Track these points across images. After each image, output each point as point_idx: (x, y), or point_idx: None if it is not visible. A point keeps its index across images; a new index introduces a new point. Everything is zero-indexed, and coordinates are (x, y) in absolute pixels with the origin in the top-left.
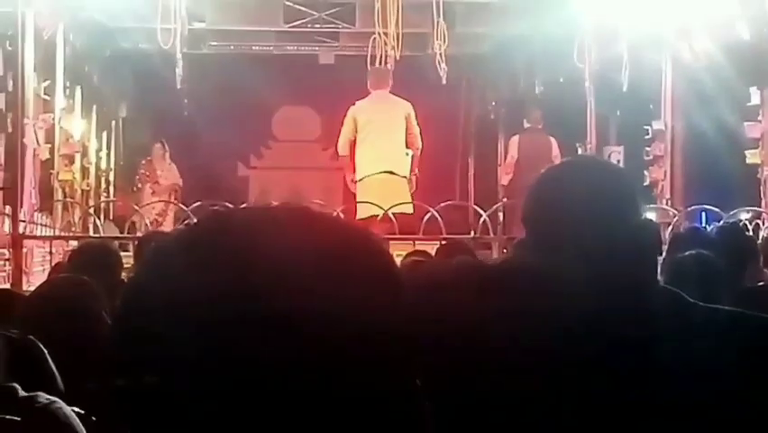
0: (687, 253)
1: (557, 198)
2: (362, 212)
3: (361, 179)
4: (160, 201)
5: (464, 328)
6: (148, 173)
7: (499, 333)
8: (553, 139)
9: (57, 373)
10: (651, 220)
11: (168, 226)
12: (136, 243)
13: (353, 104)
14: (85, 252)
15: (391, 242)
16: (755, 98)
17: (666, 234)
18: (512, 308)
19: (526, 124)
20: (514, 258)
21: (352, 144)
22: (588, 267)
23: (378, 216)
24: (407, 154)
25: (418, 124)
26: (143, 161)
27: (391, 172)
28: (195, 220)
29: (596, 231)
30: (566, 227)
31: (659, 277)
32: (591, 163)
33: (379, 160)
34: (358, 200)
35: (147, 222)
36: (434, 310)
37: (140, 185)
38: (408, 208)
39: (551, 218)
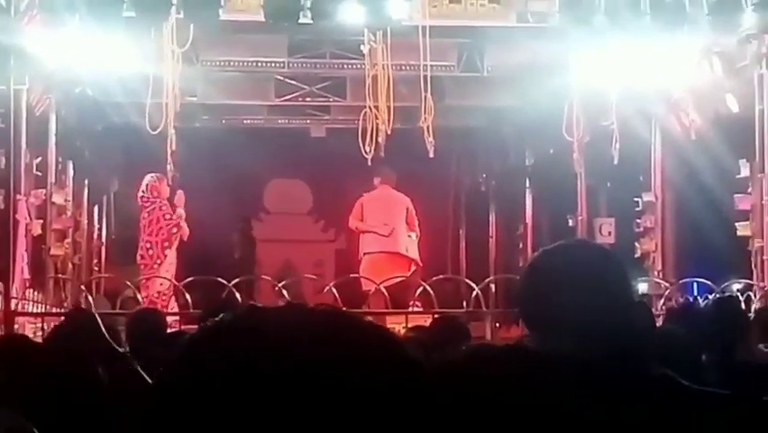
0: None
1: (549, 282)
2: (365, 285)
3: (365, 254)
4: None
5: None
6: (156, 195)
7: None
8: None
9: None
10: (643, 302)
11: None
12: (128, 320)
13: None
14: (71, 321)
15: (385, 316)
16: (745, 171)
17: (658, 305)
18: (514, 394)
19: None
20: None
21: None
22: (581, 352)
23: (372, 290)
24: (410, 236)
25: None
26: (146, 184)
27: (391, 252)
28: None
29: (588, 316)
30: (558, 312)
31: None
32: (582, 247)
33: (379, 239)
34: (361, 275)
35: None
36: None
37: (146, 215)
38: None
39: (543, 303)
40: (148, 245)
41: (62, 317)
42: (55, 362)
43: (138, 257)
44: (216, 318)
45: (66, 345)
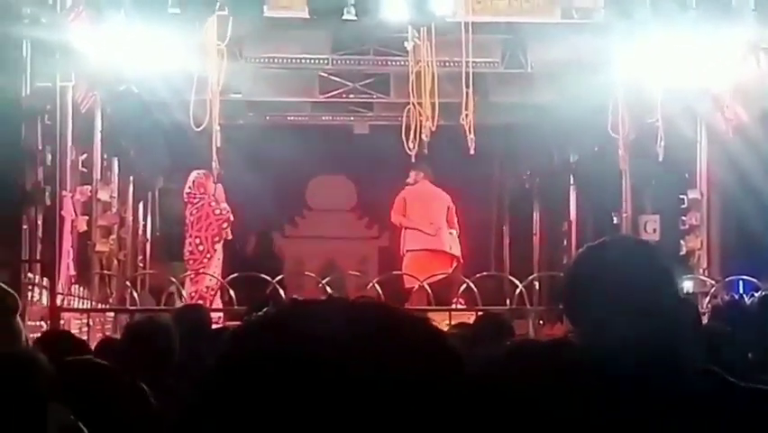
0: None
1: (593, 278)
2: (407, 282)
3: (408, 251)
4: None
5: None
6: (203, 191)
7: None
8: None
9: None
10: (689, 299)
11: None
12: (173, 316)
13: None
14: (142, 330)
15: (428, 313)
16: None
17: (704, 303)
18: (556, 390)
19: None
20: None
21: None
22: (626, 348)
23: (415, 287)
24: (451, 233)
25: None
26: (192, 181)
27: (435, 250)
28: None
29: (633, 312)
30: (603, 308)
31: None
32: (627, 243)
33: (424, 237)
34: (404, 272)
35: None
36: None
37: (194, 211)
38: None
39: (587, 299)
40: (197, 241)
41: (107, 313)
42: (95, 360)
43: (186, 253)
44: (260, 313)
45: None
